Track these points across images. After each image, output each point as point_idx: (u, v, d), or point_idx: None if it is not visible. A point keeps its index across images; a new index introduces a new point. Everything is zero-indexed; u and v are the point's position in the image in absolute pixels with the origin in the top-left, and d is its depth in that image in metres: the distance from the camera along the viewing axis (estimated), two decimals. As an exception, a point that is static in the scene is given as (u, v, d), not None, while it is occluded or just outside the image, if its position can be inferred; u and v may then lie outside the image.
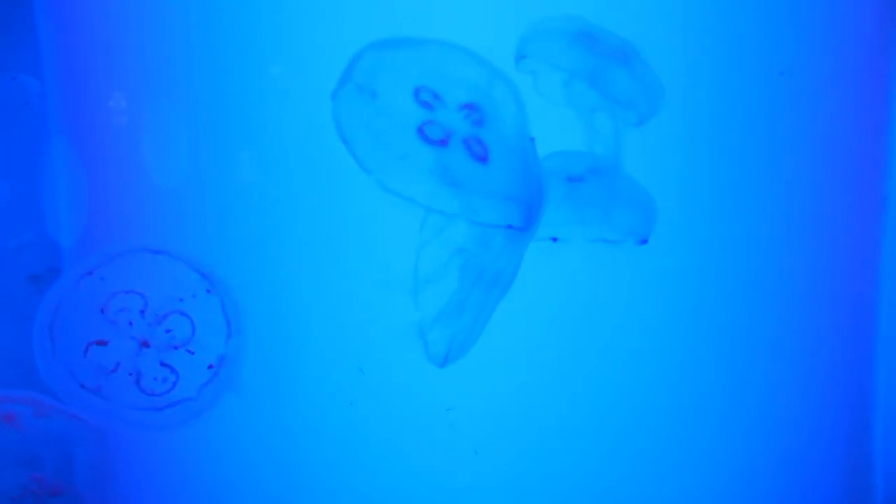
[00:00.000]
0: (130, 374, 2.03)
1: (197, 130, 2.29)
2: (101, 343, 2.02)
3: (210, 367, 2.12)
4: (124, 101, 2.41)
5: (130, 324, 2.06)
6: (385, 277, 2.09)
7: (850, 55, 2.53)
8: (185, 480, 2.44)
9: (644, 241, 2.07)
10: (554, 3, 2.02)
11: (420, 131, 1.85)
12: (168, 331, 2.09)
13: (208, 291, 2.16)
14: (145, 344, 2.06)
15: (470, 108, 1.90)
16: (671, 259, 2.31)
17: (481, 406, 2.28)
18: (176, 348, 2.09)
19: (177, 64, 2.30)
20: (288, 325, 2.29)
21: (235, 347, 2.17)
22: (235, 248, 2.29)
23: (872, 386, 2.74)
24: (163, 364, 2.07)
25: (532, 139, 1.96)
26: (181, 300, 2.12)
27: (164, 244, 2.22)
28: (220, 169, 2.29)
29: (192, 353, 2.10)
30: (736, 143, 2.34)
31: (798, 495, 2.55)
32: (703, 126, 2.31)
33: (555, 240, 2.00)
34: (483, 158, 1.88)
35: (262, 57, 2.21)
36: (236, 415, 2.29)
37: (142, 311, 2.07)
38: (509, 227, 1.90)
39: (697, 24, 2.26)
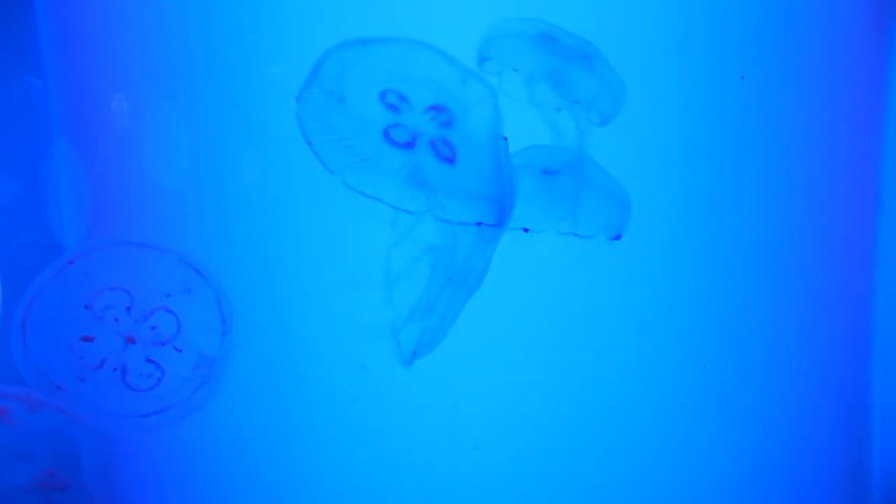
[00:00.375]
0: (115, 370, 2.10)
1: (198, 131, 2.37)
2: (87, 339, 2.09)
3: (196, 366, 2.19)
4: (126, 103, 2.47)
5: (116, 320, 2.13)
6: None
7: (845, 53, 2.56)
8: (188, 475, 2.50)
9: (617, 237, 2.13)
10: (521, 2, 2.08)
11: (386, 134, 1.91)
12: (154, 327, 2.16)
13: (201, 287, 2.22)
14: (131, 340, 2.14)
15: (437, 109, 1.97)
16: (664, 258, 2.37)
17: (481, 401, 2.35)
18: (162, 345, 2.16)
19: (177, 64, 2.37)
20: (289, 322, 2.36)
21: (230, 345, 2.22)
22: (237, 247, 2.37)
23: (870, 385, 2.76)
24: (148, 360, 2.14)
25: (505, 139, 2.04)
26: (168, 296, 2.18)
27: (166, 243, 2.28)
28: (222, 169, 2.37)
29: (180, 351, 2.18)
30: (720, 141, 2.40)
31: (797, 495, 2.59)
32: (689, 124, 2.36)
33: (526, 230, 2.06)
34: (450, 160, 1.94)
35: (263, 57, 2.28)
36: (238, 410, 2.37)
37: (128, 308, 2.14)
38: (479, 224, 1.97)
39: (692, 23, 2.32)
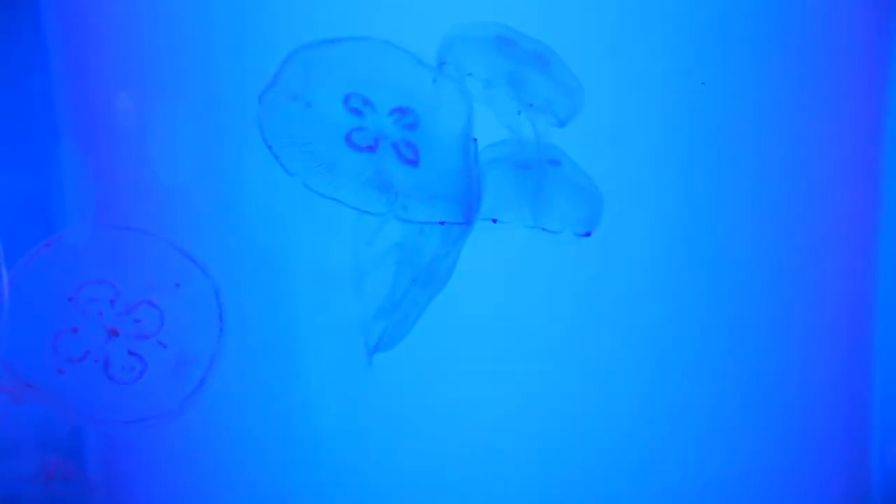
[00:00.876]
0: (96, 362, 2.20)
1: (201, 129, 2.47)
2: (71, 331, 2.20)
3: (186, 363, 2.28)
4: (131, 101, 2.57)
5: (100, 313, 2.22)
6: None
7: (845, 52, 2.62)
8: (189, 468, 2.62)
9: (587, 235, 2.20)
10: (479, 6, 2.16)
11: (348, 138, 1.99)
12: (137, 321, 2.26)
13: (198, 283, 2.29)
14: (114, 333, 2.24)
15: (402, 111, 2.05)
16: (659, 257, 2.47)
17: (482, 402, 2.46)
18: (146, 338, 2.26)
19: (180, 62, 2.48)
20: (289, 320, 2.47)
21: (226, 341, 2.28)
22: (239, 243, 2.47)
23: (870, 385, 2.81)
24: (131, 353, 2.24)
25: (475, 139, 2.13)
26: (157, 290, 2.26)
27: (165, 238, 2.35)
28: (227, 167, 2.47)
29: (165, 347, 2.26)
30: (713, 140, 2.48)
31: (797, 495, 2.66)
32: (679, 123, 2.45)
33: (494, 221, 2.15)
34: (413, 162, 2.03)
35: (266, 56, 2.27)
36: (236, 406, 2.49)
37: (112, 301, 2.25)
38: (442, 223, 2.06)
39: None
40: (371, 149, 2.01)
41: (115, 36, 2.57)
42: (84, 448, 2.73)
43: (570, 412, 2.48)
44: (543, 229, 2.15)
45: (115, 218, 2.58)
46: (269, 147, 1.99)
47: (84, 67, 2.65)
